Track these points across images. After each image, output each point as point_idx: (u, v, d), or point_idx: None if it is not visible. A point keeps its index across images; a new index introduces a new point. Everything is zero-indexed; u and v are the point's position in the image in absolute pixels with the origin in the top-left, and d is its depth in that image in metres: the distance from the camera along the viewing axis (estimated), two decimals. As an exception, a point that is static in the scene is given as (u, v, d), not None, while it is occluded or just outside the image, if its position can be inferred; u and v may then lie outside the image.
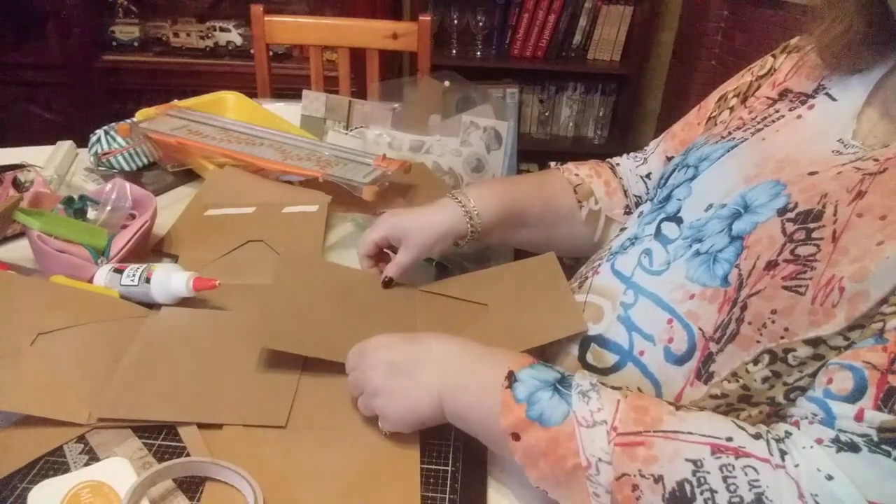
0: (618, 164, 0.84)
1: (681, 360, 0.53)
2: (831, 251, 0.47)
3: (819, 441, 0.44)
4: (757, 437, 0.46)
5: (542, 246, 0.78)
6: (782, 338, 0.48)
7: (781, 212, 0.51)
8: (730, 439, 0.45)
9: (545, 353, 0.63)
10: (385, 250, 0.75)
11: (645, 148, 0.84)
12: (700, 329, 0.52)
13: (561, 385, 0.49)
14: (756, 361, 0.49)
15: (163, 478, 0.50)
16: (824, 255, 0.47)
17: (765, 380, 0.49)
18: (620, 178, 0.82)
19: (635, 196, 0.82)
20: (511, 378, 0.50)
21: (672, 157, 0.76)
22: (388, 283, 0.72)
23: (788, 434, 0.47)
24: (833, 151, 0.54)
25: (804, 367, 0.47)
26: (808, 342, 0.47)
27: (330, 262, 0.79)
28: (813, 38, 0.62)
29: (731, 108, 0.70)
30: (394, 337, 0.57)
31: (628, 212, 0.81)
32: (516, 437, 0.48)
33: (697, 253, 0.55)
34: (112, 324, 0.65)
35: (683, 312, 0.54)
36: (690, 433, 0.46)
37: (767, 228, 0.51)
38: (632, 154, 0.85)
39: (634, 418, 0.47)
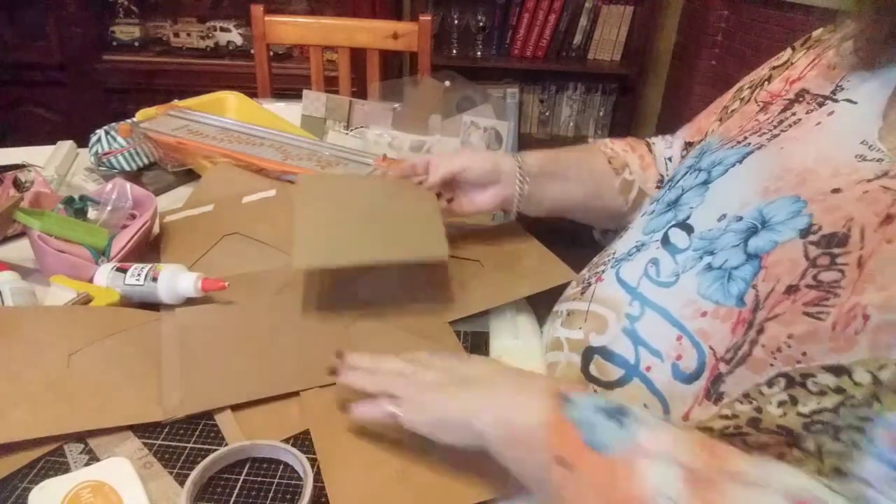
0: (653, 143, 0.85)
1: (690, 379, 0.51)
2: (856, 278, 0.44)
3: None
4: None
5: (579, 208, 0.81)
6: (799, 362, 0.45)
7: (804, 233, 0.48)
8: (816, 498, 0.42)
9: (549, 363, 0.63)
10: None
11: (677, 133, 0.85)
12: (711, 348, 0.50)
13: (619, 413, 0.46)
14: (770, 384, 0.47)
15: (210, 471, 0.51)
16: (849, 283, 0.44)
17: (781, 404, 0.47)
18: (655, 156, 0.83)
19: (660, 174, 0.82)
20: (561, 397, 0.47)
21: (690, 143, 0.77)
22: None
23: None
24: (856, 156, 0.51)
25: (823, 397, 0.45)
26: (828, 369, 0.44)
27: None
28: (835, 32, 0.59)
29: (743, 99, 0.69)
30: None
31: (661, 186, 0.80)
32: (562, 461, 0.44)
33: (710, 267, 0.53)
34: (131, 331, 0.66)
35: (694, 330, 0.52)
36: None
37: (788, 250, 0.48)
38: (666, 136, 0.86)
39: (706, 460, 0.43)
